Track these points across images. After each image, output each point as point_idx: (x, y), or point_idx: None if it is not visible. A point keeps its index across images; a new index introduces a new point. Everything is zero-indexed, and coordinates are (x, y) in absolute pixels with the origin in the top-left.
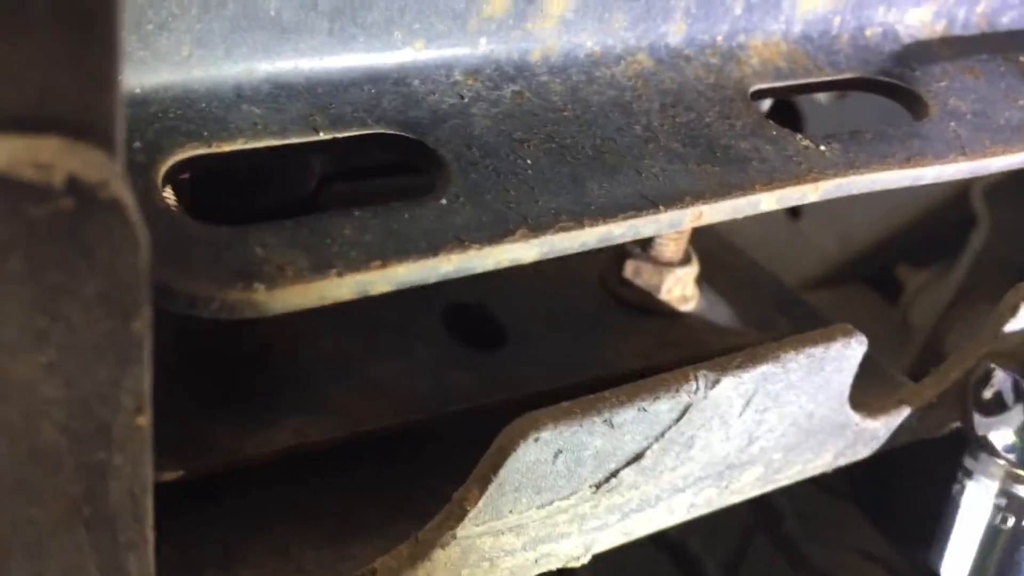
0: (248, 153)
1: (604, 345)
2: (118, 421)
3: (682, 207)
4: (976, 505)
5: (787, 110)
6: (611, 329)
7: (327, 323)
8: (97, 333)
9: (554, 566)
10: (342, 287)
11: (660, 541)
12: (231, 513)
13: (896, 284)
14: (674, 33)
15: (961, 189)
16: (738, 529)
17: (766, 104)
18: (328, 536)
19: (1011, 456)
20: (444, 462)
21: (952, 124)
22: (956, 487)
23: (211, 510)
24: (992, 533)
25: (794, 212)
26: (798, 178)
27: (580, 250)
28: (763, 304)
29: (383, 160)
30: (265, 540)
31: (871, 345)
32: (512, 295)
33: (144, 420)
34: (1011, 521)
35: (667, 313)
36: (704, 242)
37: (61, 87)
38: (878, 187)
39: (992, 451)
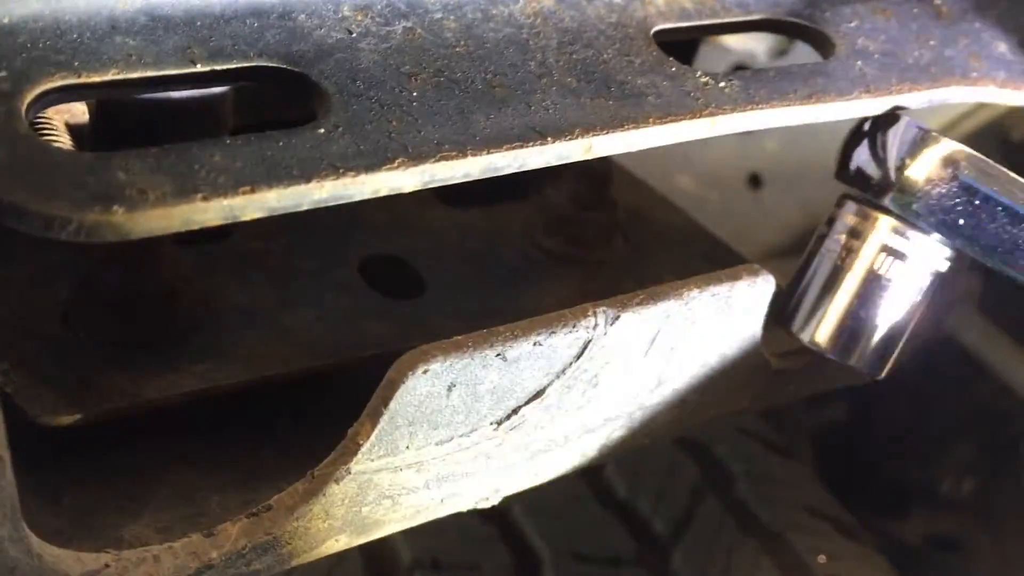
0: (120, 83)
1: (523, 295)
2: None
3: (571, 138)
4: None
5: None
6: (531, 279)
7: (240, 273)
8: None
9: (462, 507)
10: (207, 211)
11: (608, 501)
12: (136, 460)
13: None
14: None
15: None
16: (687, 490)
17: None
18: (234, 481)
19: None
20: (355, 409)
21: (859, 63)
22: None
23: (116, 457)
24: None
25: (755, 181)
26: (694, 113)
27: (463, 179)
28: (693, 258)
29: (300, 114)
30: (170, 486)
31: None
32: (433, 247)
33: None
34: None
35: (591, 265)
36: (637, 197)
37: None
38: (777, 123)
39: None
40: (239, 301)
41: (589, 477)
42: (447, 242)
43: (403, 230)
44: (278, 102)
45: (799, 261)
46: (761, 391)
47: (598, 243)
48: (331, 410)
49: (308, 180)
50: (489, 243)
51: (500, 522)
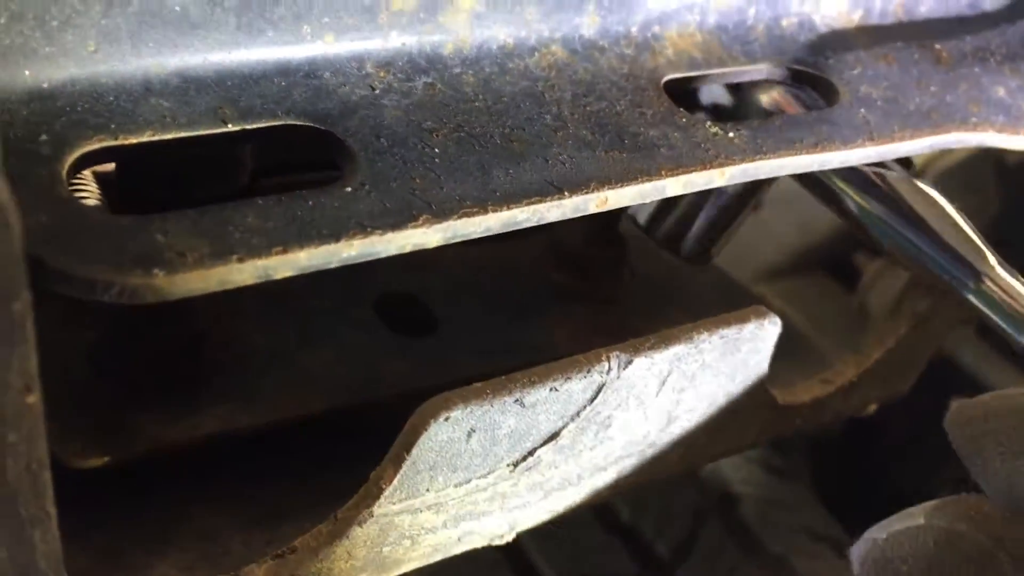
0: (156, 145)
1: (535, 329)
2: (8, 400)
3: (587, 192)
4: None
5: None
6: (542, 314)
7: (259, 314)
8: None
9: (478, 544)
10: (243, 272)
11: (611, 524)
12: (160, 500)
13: (855, 272)
14: (588, 25)
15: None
16: (690, 513)
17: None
18: (257, 520)
19: None
20: (374, 448)
21: (862, 110)
22: None
23: (140, 497)
24: None
25: (754, 204)
26: (704, 163)
27: (484, 235)
28: (702, 292)
29: (313, 156)
30: (194, 525)
31: (829, 331)
32: (445, 285)
33: (34, 398)
34: None
35: (600, 299)
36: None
37: None
38: (785, 172)
39: None
40: (258, 342)
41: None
42: (458, 279)
43: (414, 267)
44: (295, 147)
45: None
46: (767, 426)
47: (607, 278)
48: (350, 448)
49: (338, 240)
50: (499, 279)
51: (506, 546)
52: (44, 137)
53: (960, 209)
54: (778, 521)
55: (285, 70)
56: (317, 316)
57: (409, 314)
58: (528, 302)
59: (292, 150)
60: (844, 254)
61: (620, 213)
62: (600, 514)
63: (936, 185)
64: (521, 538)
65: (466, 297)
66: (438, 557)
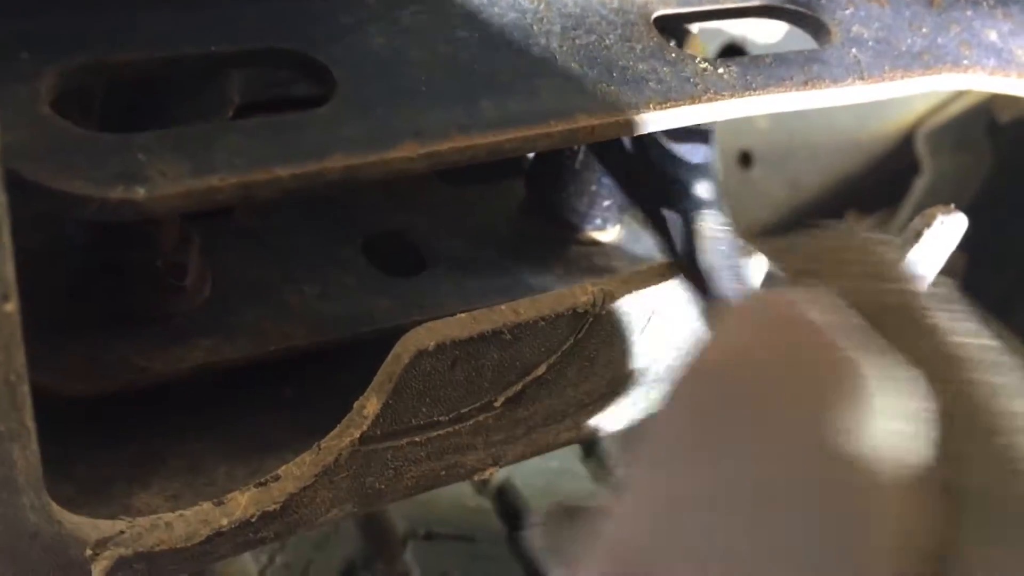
0: (140, 64)
1: (522, 272)
2: None
3: (574, 123)
4: None
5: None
6: (530, 256)
7: (244, 252)
8: None
9: (462, 478)
10: (224, 191)
11: (599, 475)
12: (145, 432)
13: None
14: None
15: (905, 137)
16: None
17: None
18: (241, 453)
19: None
20: (359, 384)
21: (853, 50)
22: None
23: (125, 429)
24: None
25: (745, 160)
26: (693, 98)
27: (469, 162)
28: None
29: (305, 91)
30: (177, 456)
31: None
32: (432, 224)
33: (11, 307)
34: None
35: (586, 242)
36: None
37: None
38: (774, 109)
39: None
40: (243, 277)
41: (582, 452)
42: (446, 219)
43: (402, 207)
44: (282, 80)
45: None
46: None
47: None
48: (333, 383)
49: (320, 161)
50: (487, 220)
51: (493, 494)
52: (24, 55)
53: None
54: None
55: None
56: (304, 254)
57: (396, 253)
58: (516, 243)
59: (278, 86)
60: (834, 212)
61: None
62: (588, 465)
63: (927, 145)
64: (508, 486)
65: (453, 238)
66: (421, 490)
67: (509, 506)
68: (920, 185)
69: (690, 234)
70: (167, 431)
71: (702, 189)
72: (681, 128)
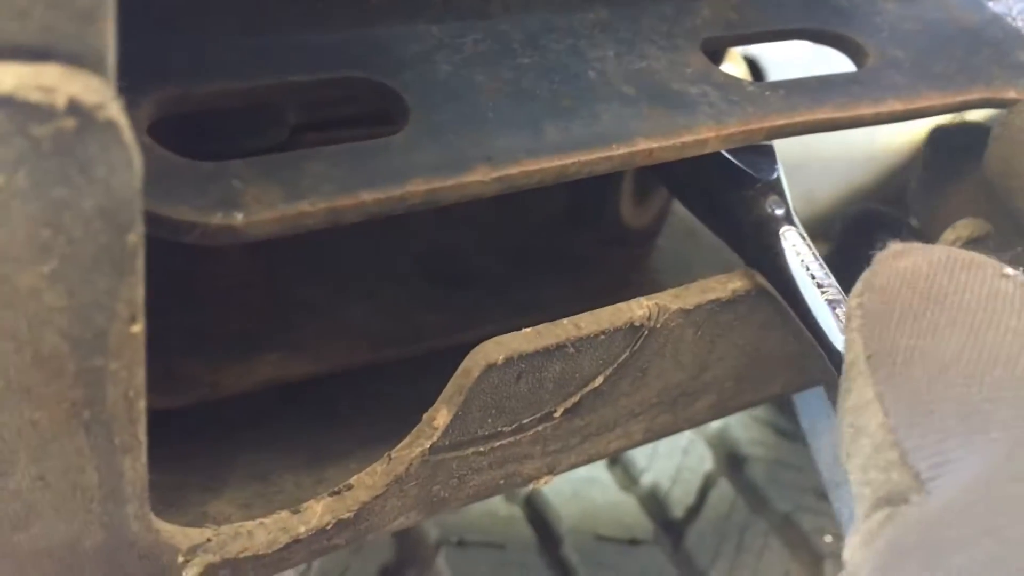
0: (224, 94)
1: (567, 285)
2: (114, 329)
3: (633, 146)
4: None
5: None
6: (574, 270)
7: (300, 268)
8: (96, 245)
9: (520, 486)
10: (315, 216)
11: (626, 484)
12: (214, 443)
13: None
14: None
15: (918, 149)
16: (702, 473)
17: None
18: (305, 464)
19: None
20: (413, 398)
21: (891, 71)
22: None
23: (196, 440)
24: None
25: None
26: (742, 120)
27: (538, 186)
28: (721, 248)
29: (353, 111)
30: (246, 467)
31: None
32: (479, 238)
33: (138, 328)
34: None
35: (630, 247)
36: None
37: (60, 19)
38: (819, 130)
39: None
40: (301, 294)
41: (608, 461)
42: (492, 232)
43: (450, 221)
44: (332, 102)
45: None
46: (793, 378)
47: (637, 239)
48: (386, 395)
49: (402, 186)
50: (531, 234)
51: (523, 502)
52: (124, 83)
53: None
54: (785, 481)
55: (341, 27)
56: (358, 269)
57: (446, 268)
58: (561, 257)
59: (330, 107)
60: None
61: (659, 187)
62: (615, 474)
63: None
64: (538, 495)
65: (498, 252)
66: (482, 497)
67: (538, 514)
68: (914, 180)
69: (771, 249)
70: (232, 442)
71: (777, 205)
72: (748, 147)
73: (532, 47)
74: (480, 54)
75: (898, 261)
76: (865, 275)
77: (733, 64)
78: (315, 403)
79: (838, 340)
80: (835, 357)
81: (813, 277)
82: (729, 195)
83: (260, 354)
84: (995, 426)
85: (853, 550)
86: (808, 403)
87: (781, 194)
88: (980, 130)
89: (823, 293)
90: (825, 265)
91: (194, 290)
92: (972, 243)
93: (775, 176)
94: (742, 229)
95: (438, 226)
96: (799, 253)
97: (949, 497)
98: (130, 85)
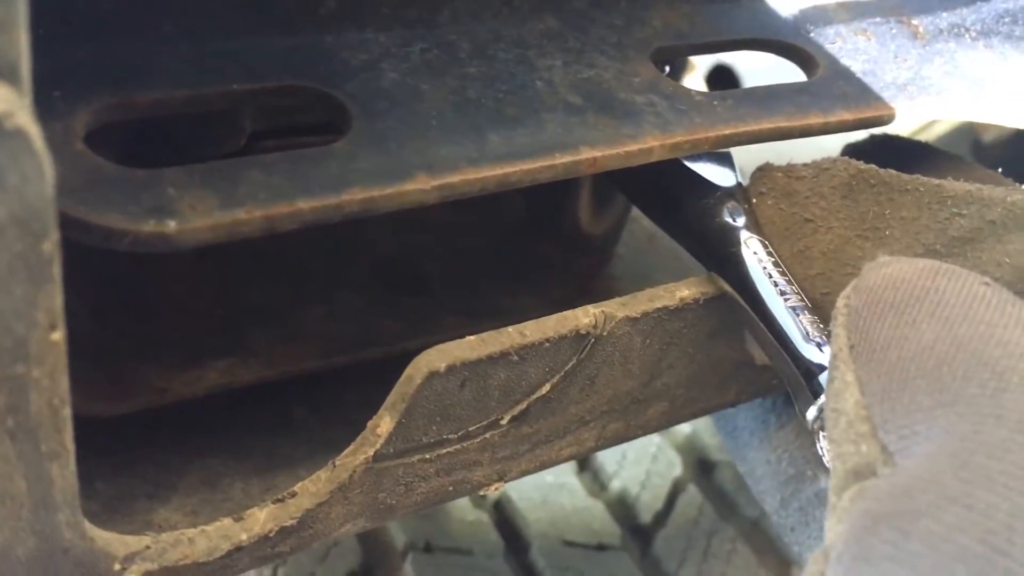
0: (166, 103)
1: (523, 292)
2: (34, 337)
3: (577, 155)
4: None
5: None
6: (530, 277)
7: (254, 274)
8: (10, 253)
9: (469, 493)
10: (250, 224)
11: (593, 490)
12: (164, 450)
13: None
14: None
15: None
16: (670, 479)
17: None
18: (255, 469)
19: None
20: (369, 403)
21: (840, 82)
22: None
23: (143, 447)
24: None
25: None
26: (689, 130)
27: (479, 194)
28: (681, 255)
29: (311, 119)
30: (195, 473)
31: None
32: (435, 246)
33: (58, 335)
34: None
35: (589, 254)
36: None
37: None
38: (767, 140)
39: None
40: (254, 299)
41: (576, 467)
42: (448, 239)
43: (406, 228)
44: (289, 109)
45: None
46: (746, 385)
47: (596, 246)
48: (341, 401)
49: (339, 195)
50: (489, 241)
51: (491, 508)
52: (57, 93)
53: None
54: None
55: (289, 33)
56: (312, 275)
57: (401, 274)
58: (517, 265)
59: (287, 114)
60: None
61: (617, 195)
62: (583, 480)
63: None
64: (506, 500)
65: (456, 259)
66: (430, 505)
67: (506, 520)
68: None
69: (733, 257)
70: (182, 449)
71: (737, 212)
72: (706, 153)
73: (479, 56)
74: (427, 63)
75: (885, 268)
76: (854, 281)
77: (692, 76)
78: (268, 407)
79: (802, 345)
80: (800, 363)
81: (776, 284)
82: (689, 203)
83: (211, 360)
84: (962, 401)
85: (829, 531)
86: (731, 423)
87: (740, 201)
88: (892, 143)
89: (786, 300)
90: (787, 272)
91: (143, 295)
92: None
93: (734, 183)
94: (703, 237)
95: (395, 232)
96: (760, 260)
97: (917, 467)
98: (67, 93)
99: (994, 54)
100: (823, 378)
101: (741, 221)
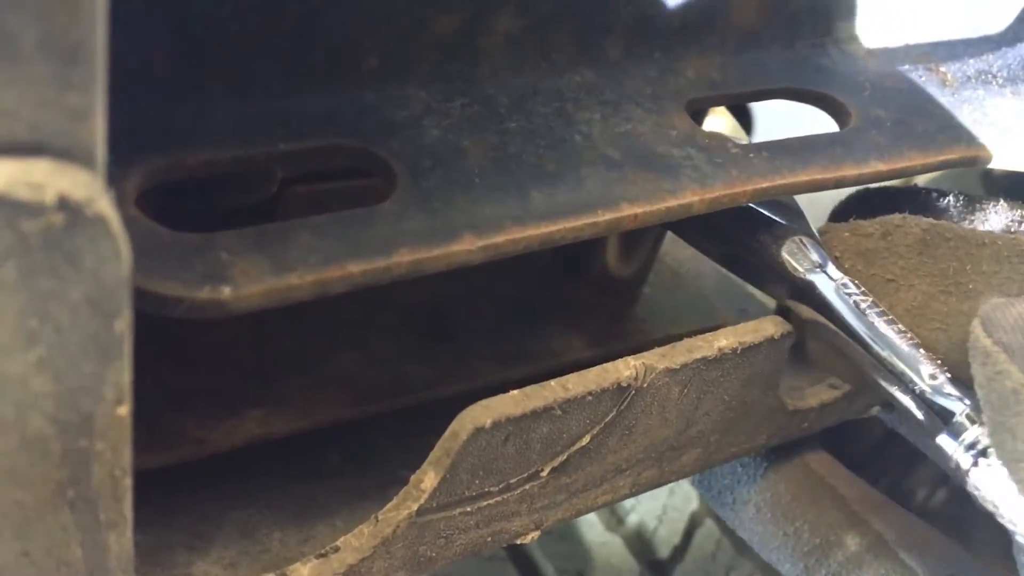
0: (213, 163)
1: (552, 337)
2: (101, 411)
3: (618, 212)
4: None
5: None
6: (559, 322)
7: (289, 322)
8: (83, 333)
9: (507, 542)
10: (302, 288)
11: (612, 524)
12: (200, 500)
13: None
14: (613, 47)
15: (905, 184)
16: (687, 514)
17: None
18: (293, 520)
19: None
20: (402, 450)
21: (873, 131)
22: None
23: (181, 497)
24: None
25: None
26: (727, 184)
27: (523, 252)
28: (706, 294)
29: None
30: (233, 524)
31: None
32: (465, 292)
33: (124, 410)
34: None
35: (617, 296)
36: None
37: (50, 117)
38: (802, 191)
39: None
40: (289, 347)
41: None
42: (477, 284)
43: (437, 274)
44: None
45: None
46: (777, 429)
47: (623, 288)
48: (375, 448)
49: (389, 257)
50: (517, 285)
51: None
52: (110, 157)
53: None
54: None
55: (332, 90)
56: (344, 321)
57: (432, 320)
58: (545, 310)
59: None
60: None
61: (646, 236)
62: (601, 514)
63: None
64: None
65: (485, 304)
66: (469, 555)
67: (523, 555)
68: None
69: (809, 286)
70: (219, 497)
71: (816, 253)
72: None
73: (519, 111)
74: (468, 118)
75: (1012, 308)
76: (981, 323)
77: (716, 117)
78: (303, 455)
79: (904, 351)
80: (931, 405)
81: (858, 305)
82: (755, 241)
83: (246, 409)
84: None
85: None
86: (728, 498)
87: (809, 233)
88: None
89: (883, 318)
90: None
91: (180, 346)
92: None
93: (799, 217)
94: (772, 272)
95: (425, 278)
96: (844, 285)
97: None
98: (118, 156)
99: (1021, 101)
100: (960, 418)
101: (815, 256)
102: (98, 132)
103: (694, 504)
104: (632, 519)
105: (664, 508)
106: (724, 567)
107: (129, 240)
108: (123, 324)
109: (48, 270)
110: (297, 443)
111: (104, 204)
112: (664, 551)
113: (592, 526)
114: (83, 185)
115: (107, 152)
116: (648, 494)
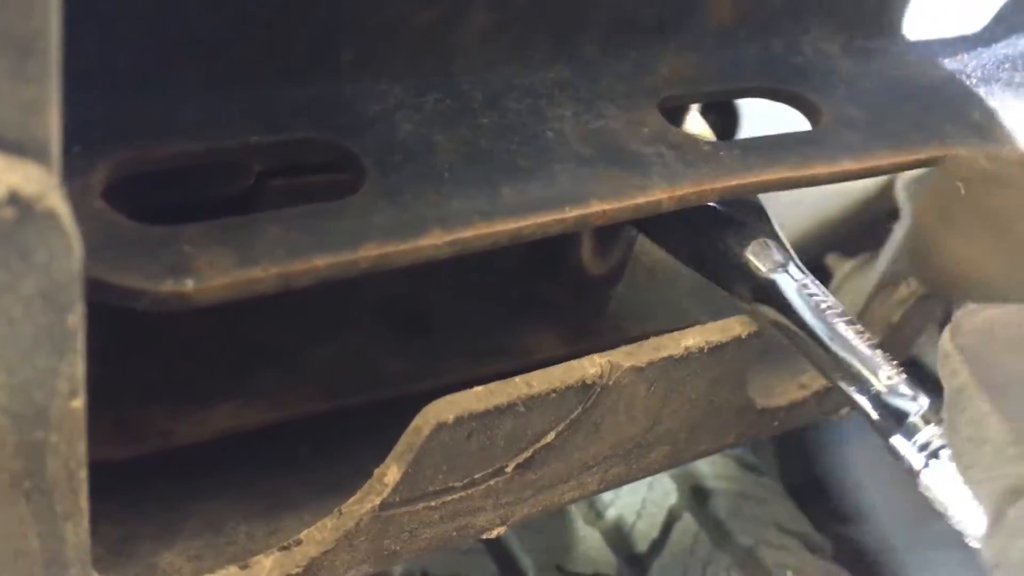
0: (185, 155)
1: (525, 333)
2: (55, 404)
3: (587, 208)
4: None
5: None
6: (532, 317)
7: (263, 314)
8: (35, 326)
9: (473, 537)
10: (266, 281)
11: (590, 518)
12: (167, 492)
13: (826, 272)
14: (589, 44)
15: (886, 184)
16: (666, 507)
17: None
18: (260, 512)
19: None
20: (374, 444)
21: (846, 130)
22: None
23: (148, 489)
24: None
25: None
26: (696, 181)
27: (492, 248)
28: (680, 294)
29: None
30: (200, 516)
31: None
32: (440, 287)
33: (78, 403)
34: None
35: (591, 294)
36: None
37: (2, 111)
38: (773, 189)
39: None
40: (260, 339)
41: None
42: (451, 280)
43: (410, 268)
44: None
45: None
46: (747, 428)
47: (598, 287)
48: (346, 442)
49: (355, 251)
50: (492, 281)
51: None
52: (76, 148)
53: None
54: (748, 514)
55: (307, 83)
56: (317, 315)
57: (406, 315)
58: (518, 305)
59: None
60: (815, 256)
61: (621, 235)
62: (579, 508)
63: (906, 192)
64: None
65: (459, 299)
66: (433, 548)
67: (502, 548)
68: (899, 230)
69: (772, 286)
70: (186, 489)
71: (780, 253)
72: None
73: (492, 107)
74: (440, 113)
75: (982, 313)
76: (950, 326)
77: (696, 116)
78: (274, 448)
79: (862, 352)
80: (885, 407)
81: (819, 305)
82: (720, 241)
83: (217, 402)
84: None
85: (997, 549)
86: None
87: (774, 235)
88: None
89: (843, 318)
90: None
91: (148, 338)
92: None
93: (765, 219)
94: (736, 272)
95: (399, 272)
96: (805, 286)
97: None
98: (86, 148)
99: (995, 101)
100: (914, 419)
101: (778, 256)
102: (52, 126)
103: (673, 499)
104: (611, 513)
105: (643, 502)
106: (702, 561)
107: (84, 235)
108: (76, 318)
109: None
110: (268, 436)
111: (56, 199)
112: (642, 545)
113: (570, 520)
114: (35, 180)
115: (61, 146)
116: (627, 488)
